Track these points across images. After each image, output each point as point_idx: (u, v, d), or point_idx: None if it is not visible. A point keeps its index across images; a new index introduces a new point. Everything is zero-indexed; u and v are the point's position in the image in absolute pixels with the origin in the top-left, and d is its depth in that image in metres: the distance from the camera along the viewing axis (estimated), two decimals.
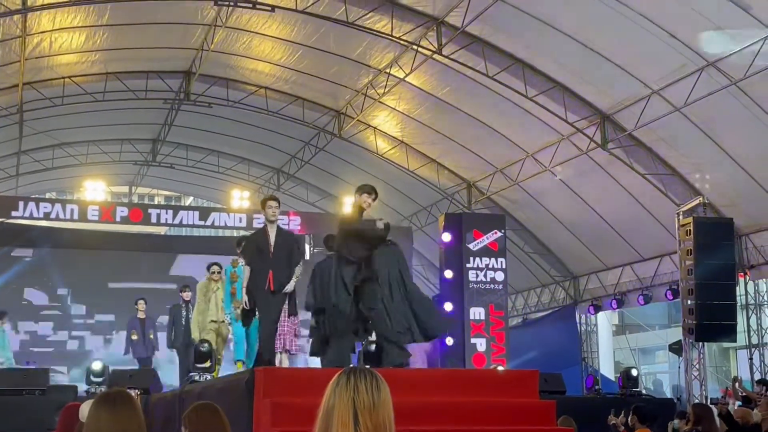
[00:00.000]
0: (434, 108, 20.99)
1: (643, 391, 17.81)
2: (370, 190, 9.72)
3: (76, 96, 21.30)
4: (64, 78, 20.71)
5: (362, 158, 24.35)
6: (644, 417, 10.43)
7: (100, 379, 14.60)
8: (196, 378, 13.08)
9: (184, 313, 15.77)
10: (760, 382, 16.16)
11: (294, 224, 23.23)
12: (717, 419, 10.27)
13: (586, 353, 24.56)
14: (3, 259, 23.69)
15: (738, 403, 13.22)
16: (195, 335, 13.62)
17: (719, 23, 14.48)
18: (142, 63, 21.06)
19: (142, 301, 18.18)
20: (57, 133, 24.36)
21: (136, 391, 12.67)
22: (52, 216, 22.36)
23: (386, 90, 20.50)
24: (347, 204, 24.11)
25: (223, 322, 13.76)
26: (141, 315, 18.03)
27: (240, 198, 25.30)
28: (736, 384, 14.51)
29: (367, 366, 9.78)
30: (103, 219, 22.68)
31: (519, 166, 21.28)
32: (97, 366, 15.08)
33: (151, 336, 17.96)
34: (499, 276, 20.27)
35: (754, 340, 19.31)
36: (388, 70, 19.86)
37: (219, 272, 13.81)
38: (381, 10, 17.36)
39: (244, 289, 10.25)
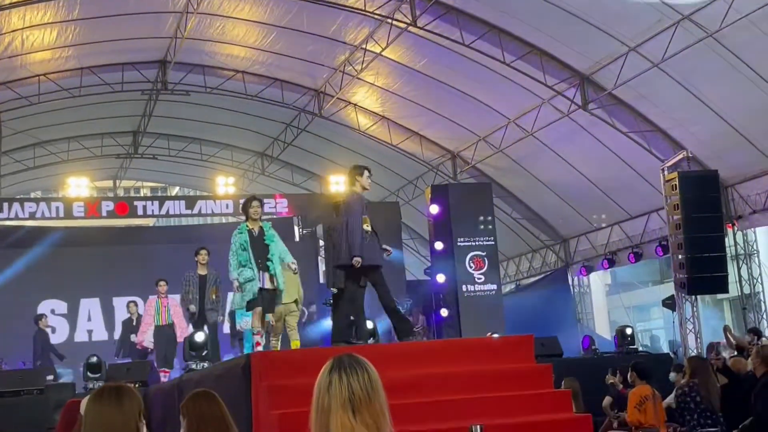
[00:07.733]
0: (413, 81, 20.91)
1: (640, 348, 17.87)
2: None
3: (53, 93, 21.15)
4: (38, 75, 20.55)
5: (345, 136, 24.28)
6: (643, 373, 10.53)
7: (97, 375, 14.54)
8: (194, 366, 13.09)
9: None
10: (751, 330, 16.28)
11: (281, 207, 23.13)
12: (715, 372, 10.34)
13: (580, 315, 24.67)
14: None
15: (733, 352, 13.28)
16: None
17: None
18: (116, 55, 20.89)
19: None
20: (36, 131, 24.19)
21: (135, 384, 12.65)
22: (38, 215, 22.19)
23: (364, 66, 20.40)
24: (334, 183, 24.09)
25: None
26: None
27: (225, 184, 25.13)
28: (728, 333, 14.58)
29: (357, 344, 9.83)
30: (89, 215, 22.50)
31: (502, 133, 21.26)
32: (93, 361, 14.98)
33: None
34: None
35: (746, 290, 19.42)
36: (364, 46, 19.76)
37: None
38: None
39: None
